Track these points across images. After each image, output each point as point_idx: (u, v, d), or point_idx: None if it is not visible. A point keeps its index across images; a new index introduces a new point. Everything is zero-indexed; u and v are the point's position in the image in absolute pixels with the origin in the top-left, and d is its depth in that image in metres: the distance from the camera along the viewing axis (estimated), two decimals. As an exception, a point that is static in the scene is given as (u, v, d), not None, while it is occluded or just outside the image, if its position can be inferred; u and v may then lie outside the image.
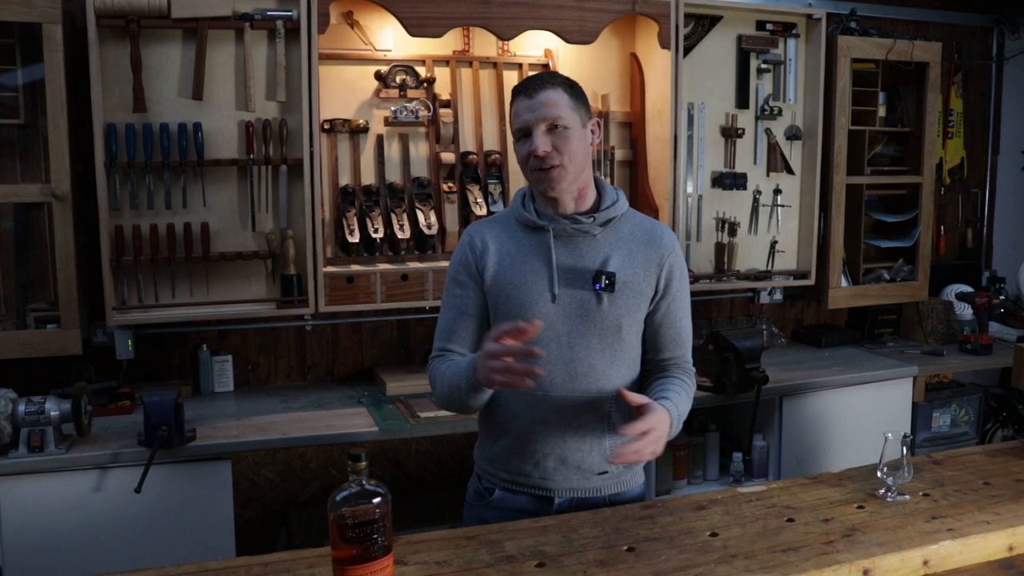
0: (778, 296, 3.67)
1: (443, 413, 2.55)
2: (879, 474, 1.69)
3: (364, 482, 1.25)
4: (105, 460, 2.29)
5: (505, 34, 2.84)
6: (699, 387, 2.91)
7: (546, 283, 1.67)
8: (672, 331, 1.76)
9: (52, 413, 2.24)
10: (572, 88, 1.68)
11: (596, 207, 1.72)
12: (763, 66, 3.29)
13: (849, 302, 3.54)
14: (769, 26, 3.28)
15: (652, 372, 1.78)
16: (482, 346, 1.53)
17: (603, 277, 1.66)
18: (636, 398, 1.57)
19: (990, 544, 1.54)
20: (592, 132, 1.70)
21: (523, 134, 1.65)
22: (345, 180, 2.93)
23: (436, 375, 1.71)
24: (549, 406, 1.68)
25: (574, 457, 1.71)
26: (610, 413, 1.70)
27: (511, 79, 3.10)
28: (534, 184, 1.69)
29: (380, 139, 2.98)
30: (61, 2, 2.42)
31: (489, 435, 1.78)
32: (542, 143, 1.62)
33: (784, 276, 3.40)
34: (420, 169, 3.03)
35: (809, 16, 3.33)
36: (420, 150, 3.04)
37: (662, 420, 1.55)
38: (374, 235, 2.84)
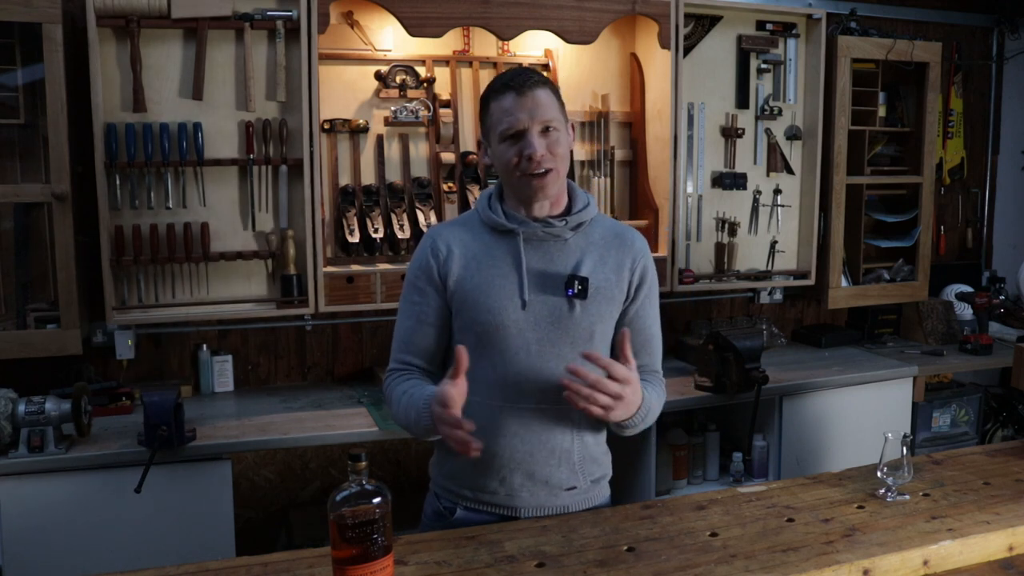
0: (778, 296, 3.68)
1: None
2: (879, 474, 1.69)
3: (364, 482, 1.25)
4: (105, 460, 2.29)
5: (505, 34, 2.84)
6: (699, 387, 2.92)
7: (515, 289, 1.60)
8: (642, 337, 1.69)
9: (52, 413, 2.24)
10: (555, 88, 1.61)
11: (567, 210, 1.66)
12: (763, 66, 3.29)
13: (849, 302, 3.54)
14: (769, 26, 3.28)
15: None
16: (433, 397, 1.48)
17: (576, 282, 1.59)
18: (628, 353, 1.50)
19: (990, 544, 1.53)
20: (569, 134, 1.64)
21: (512, 135, 1.56)
22: (345, 180, 2.93)
23: (393, 396, 1.64)
24: (516, 418, 1.60)
25: (542, 472, 1.63)
26: (579, 424, 1.64)
27: (511, 79, 3.10)
28: (520, 189, 1.60)
29: (380, 139, 2.98)
30: (61, 2, 2.42)
31: (448, 450, 1.64)
32: (539, 146, 1.55)
33: (784, 276, 3.40)
34: (420, 169, 3.03)
35: (809, 16, 3.33)
36: (420, 150, 3.04)
37: (632, 382, 1.49)
38: (374, 235, 2.84)
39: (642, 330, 1.70)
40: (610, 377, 1.48)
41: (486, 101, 1.62)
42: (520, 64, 3.11)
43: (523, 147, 1.56)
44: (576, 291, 1.60)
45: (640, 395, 1.55)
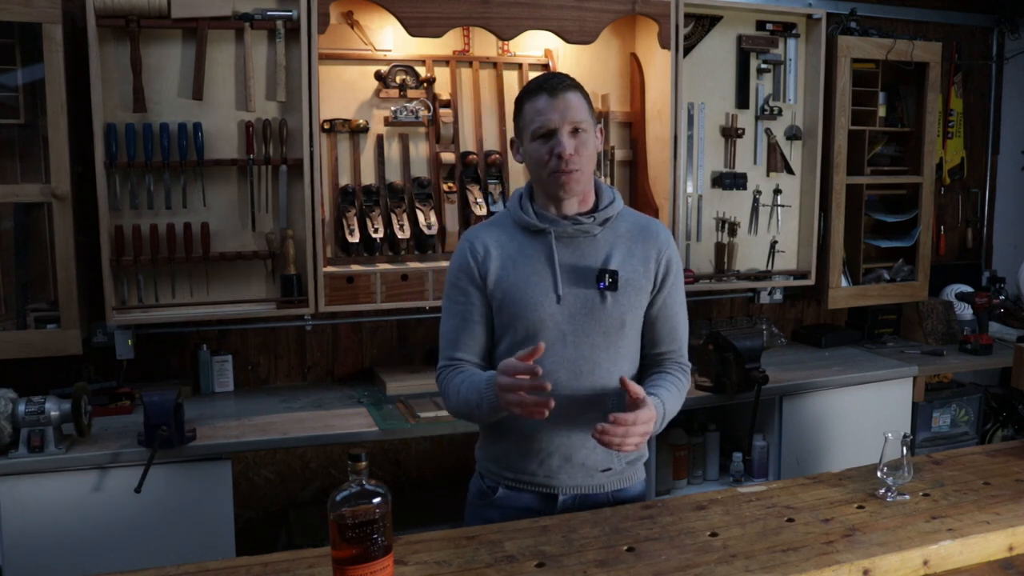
0: (778, 296, 3.67)
1: (443, 413, 2.56)
2: (879, 474, 1.69)
3: (364, 482, 1.25)
4: (105, 460, 2.29)
5: (505, 34, 2.84)
6: (699, 387, 2.92)
7: (550, 284, 1.69)
8: (668, 325, 1.78)
9: (52, 413, 2.24)
10: (585, 92, 1.70)
11: (595, 207, 1.74)
12: (763, 66, 3.29)
13: (849, 302, 3.54)
14: (769, 26, 3.28)
15: (649, 366, 1.79)
16: (497, 371, 1.54)
17: (607, 276, 1.69)
18: (636, 391, 1.56)
19: (990, 544, 1.54)
20: (596, 136, 1.72)
21: (543, 134, 1.65)
22: (345, 180, 2.93)
23: (450, 388, 1.71)
24: (553, 405, 1.68)
25: (578, 455, 1.72)
26: (613, 410, 1.69)
27: (511, 79, 3.11)
28: (550, 186, 1.68)
29: (380, 139, 2.98)
30: (61, 2, 2.43)
31: (491, 434, 1.79)
32: (569, 145, 1.63)
33: (784, 276, 3.40)
34: (420, 169, 3.03)
35: (809, 16, 3.33)
36: (420, 150, 3.04)
37: (650, 418, 1.57)
38: (374, 235, 2.84)
39: (669, 318, 1.78)
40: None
41: (520, 102, 1.71)
42: (520, 64, 3.12)
43: (554, 146, 1.65)
44: (607, 284, 1.69)
45: (654, 415, 1.59)
